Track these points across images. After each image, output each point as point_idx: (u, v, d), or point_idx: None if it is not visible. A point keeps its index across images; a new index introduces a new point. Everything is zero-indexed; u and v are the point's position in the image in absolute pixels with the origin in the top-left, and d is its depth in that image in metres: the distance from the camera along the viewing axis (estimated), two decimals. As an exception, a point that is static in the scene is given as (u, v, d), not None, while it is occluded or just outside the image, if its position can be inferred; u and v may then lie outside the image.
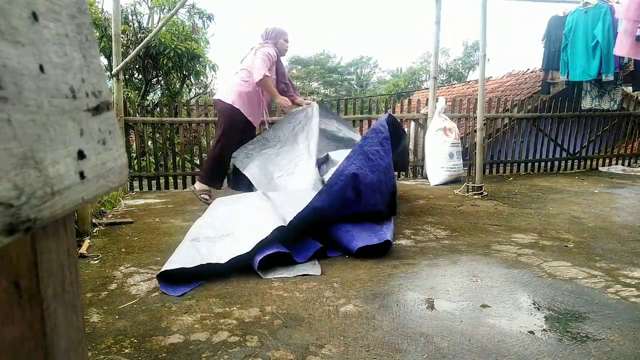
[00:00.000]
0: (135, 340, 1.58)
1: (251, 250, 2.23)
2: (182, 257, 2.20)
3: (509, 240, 2.82)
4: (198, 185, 3.98)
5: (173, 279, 2.09)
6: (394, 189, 2.96)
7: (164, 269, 2.11)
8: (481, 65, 4.33)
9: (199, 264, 2.14)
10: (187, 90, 10.90)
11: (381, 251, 2.51)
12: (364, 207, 2.76)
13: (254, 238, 2.28)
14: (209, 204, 3.35)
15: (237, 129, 3.86)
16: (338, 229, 2.62)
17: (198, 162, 5.53)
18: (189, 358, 1.46)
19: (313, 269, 2.28)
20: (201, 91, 11.79)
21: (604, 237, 2.88)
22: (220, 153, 3.88)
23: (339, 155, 3.62)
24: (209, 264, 2.16)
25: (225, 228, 2.54)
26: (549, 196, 4.35)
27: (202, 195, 3.92)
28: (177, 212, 3.73)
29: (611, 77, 5.34)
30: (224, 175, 4.11)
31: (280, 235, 2.41)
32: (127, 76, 8.92)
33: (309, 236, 2.58)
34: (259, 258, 2.24)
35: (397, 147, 3.55)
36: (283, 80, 4.13)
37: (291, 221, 2.43)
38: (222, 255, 2.22)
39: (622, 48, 4.23)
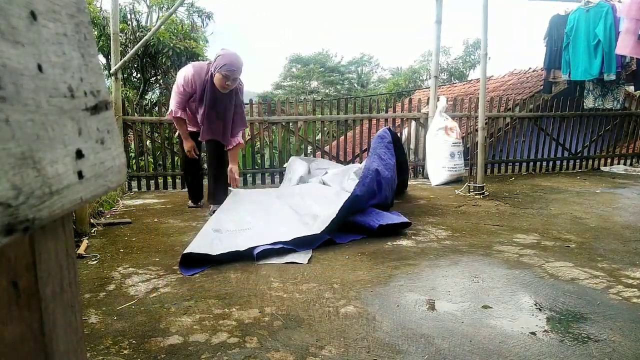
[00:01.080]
0: (134, 341, 1.58)
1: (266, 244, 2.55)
2: (206, 244, 2.49)
3: (510, 241, 2.82)
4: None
5: (187, 261, 2.34)
6: (395, 185, 3.53)
7: (188, 250, 2.36)
8: (482, 64, 4.33)
9: (221, 252, 2.40)
10: (187, 89, 10.88)
11: (400, 227, 2.99)
12: (380, 198, 3.25)
13: (272, 238, 2.61)
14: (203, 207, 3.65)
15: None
16: (361, 215, 2.98)
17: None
18: (188, 359, 1.46)
19: (302, 257, 2.47)
20: (201, 90, 11.77)
21: (606, 238, 2.88)
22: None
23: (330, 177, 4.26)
24: (229, 252, 2.43)
25: (246, 222, 2.93)
26: (551, 196, 4.35)
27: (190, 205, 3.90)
28: (176, 212, 3.73)
29: (613, 77, 5.32)
30: (195, 189, 3.88)
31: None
32: (125, 75, 8.92)
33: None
34: (262, 249, 2.50)
35: (399, 155, 4.00)
36: (207, 117, 3.33)
37: (338, 213, 2.76)
38: (241, 244, 2.52)
39: (624, 47, 4.22)
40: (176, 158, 5.13)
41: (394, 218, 3.01)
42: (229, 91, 3.30)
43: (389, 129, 3.89)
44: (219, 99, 3.30)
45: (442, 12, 5.27)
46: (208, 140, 3.50)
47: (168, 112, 3.43)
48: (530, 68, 9.88)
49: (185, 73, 3.29)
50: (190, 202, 3.90)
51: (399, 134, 5.63)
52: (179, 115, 3.33)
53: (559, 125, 6.24)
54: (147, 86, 9.57)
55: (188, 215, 3.61)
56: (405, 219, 3.05)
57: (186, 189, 4.13)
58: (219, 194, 3.60)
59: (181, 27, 8.97)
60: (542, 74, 6.52)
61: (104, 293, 2.02)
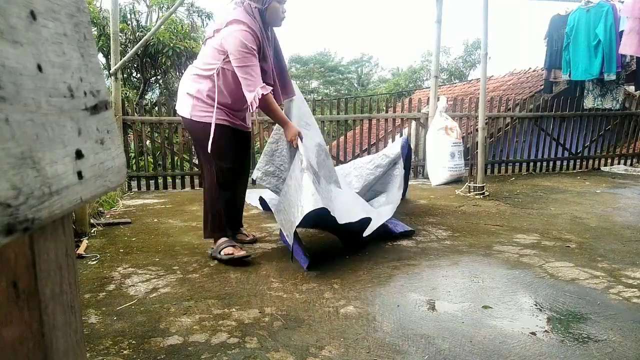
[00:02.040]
0: (133, 342, 1.58)
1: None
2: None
3: (510, 241, 2.82)
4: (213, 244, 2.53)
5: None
6: None
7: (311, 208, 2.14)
8: (483, 64, 4.32)
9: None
10: (187, 89, 10.90)
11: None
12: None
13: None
14: (239, 258, 2.39)
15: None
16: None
17: (197, 161, 5.52)
18: (188, 359, 1.46)
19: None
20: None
21: (606, 238, 2.88)
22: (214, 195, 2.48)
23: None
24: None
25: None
26: (551, 196, 4.34)
27: (223, 252, 2.41)
28: (176, 212, 3.73)
29: (613, 76, 5.32)
30: (234, 214, 2.71)
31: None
32: (125, 75, 8.91)
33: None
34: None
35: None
36: (268, 81, 2.38)
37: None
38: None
39: (629, 46, 4.20)
40: (176, 158, 5.12)
41: (400, 226, 3.03)
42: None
43: (406, 143, 3.76)
44: (275, 43, 2.52)
45: (442, 12, 5.27)
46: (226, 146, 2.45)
47: (253, 97, 2.28)
48: (530, 68, 9.88)
49: (239, 30, 2.25)
50: (229, 251, 2.41)
51: (399, 135, 5.65)
52: (268, 92, 2.32)
53: (559, 125, 6.24)
54: (147, 86, 9.57)
55: (188, 215, 3.61)
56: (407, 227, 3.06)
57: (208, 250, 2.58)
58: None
59: (181, 27, 8.96)
60: (543, 73, 6.51)
61: (103, 293, 2.02)
